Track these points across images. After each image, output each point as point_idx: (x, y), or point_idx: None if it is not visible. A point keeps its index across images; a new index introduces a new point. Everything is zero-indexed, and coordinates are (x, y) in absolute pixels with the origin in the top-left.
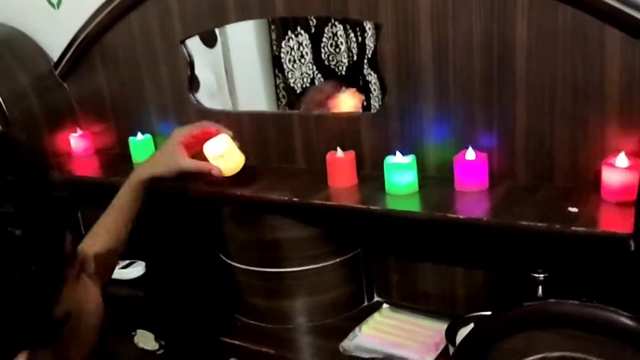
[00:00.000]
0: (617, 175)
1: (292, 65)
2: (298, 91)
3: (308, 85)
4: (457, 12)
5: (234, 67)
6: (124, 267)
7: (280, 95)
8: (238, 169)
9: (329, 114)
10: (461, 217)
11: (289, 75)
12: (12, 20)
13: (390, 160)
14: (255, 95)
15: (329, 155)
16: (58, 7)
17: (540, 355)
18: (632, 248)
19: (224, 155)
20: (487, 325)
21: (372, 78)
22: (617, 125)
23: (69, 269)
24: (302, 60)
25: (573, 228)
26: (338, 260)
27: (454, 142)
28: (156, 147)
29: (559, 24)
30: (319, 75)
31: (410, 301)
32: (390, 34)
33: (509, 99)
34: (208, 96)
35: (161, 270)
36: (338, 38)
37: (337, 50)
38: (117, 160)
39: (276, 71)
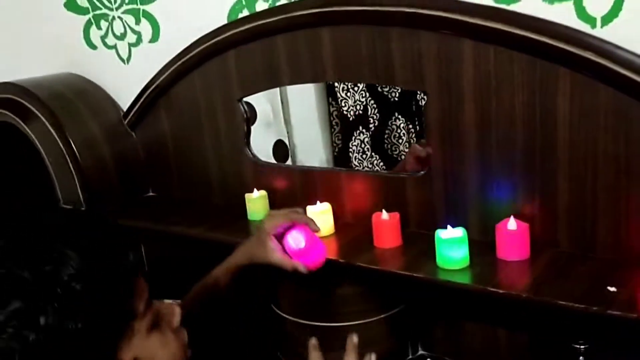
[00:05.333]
0: None
1: (346, 94)
2: (351, 119)
3: (361, 112)
4: (499, 83)
5: (290, 96)
6: None
7: (334, 123)
8: (320, 263)
9: (376, 172)
10: (500, 291)
11: (342, 104)
12: (87, 73)
13: (442, 234)
14: (309, 124)
15: (374, 217)
16: (128, 62)
17: None
18: None
19: (305, 248)
20: None
21: None
22: None
23: (137, 321)
24: (356, 88)
25: (609, 311)
26: (382, 316)
27: (496, 207)
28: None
29: (601, 103)
30: (372, 102)
31: (454, 357)
32: (436, 101)
33: (551, 169)
34: (265, 126)
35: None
36: None
37: None
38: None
39: (330, 99)
